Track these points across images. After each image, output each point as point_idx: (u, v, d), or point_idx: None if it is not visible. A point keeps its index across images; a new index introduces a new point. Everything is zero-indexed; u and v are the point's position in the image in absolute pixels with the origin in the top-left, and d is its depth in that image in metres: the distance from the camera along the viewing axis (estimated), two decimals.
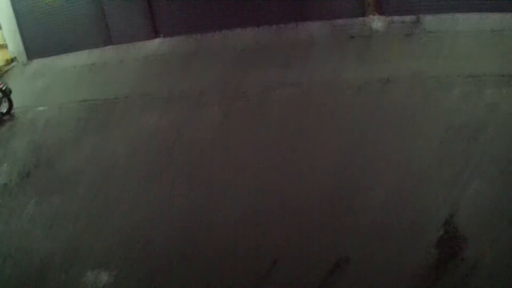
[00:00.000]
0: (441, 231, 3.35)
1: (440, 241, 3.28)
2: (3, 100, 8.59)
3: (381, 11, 10.03)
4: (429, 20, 9.04)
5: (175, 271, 3.70)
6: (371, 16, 9.96)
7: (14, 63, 11.46)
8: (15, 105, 8.51)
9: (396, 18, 9.62)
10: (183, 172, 5.27)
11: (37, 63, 11.08)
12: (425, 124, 5.01)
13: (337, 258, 3.28)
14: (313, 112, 6.31)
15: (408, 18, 9.47)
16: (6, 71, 11.11)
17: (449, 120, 4.94)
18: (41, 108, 8.49)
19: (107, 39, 11.04)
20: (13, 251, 4.42)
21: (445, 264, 3.13)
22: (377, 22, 9.91)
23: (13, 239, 4.55)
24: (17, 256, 4.36)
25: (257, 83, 7.76)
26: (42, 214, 4.91)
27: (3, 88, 8.43)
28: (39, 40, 11.22)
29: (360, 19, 9.90)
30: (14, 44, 11.30)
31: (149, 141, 6.30)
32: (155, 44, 10.60)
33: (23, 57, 11.27)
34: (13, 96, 8.41)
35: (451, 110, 5.17)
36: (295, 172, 4.82)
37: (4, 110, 8.63)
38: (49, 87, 9.51)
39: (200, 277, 3.57)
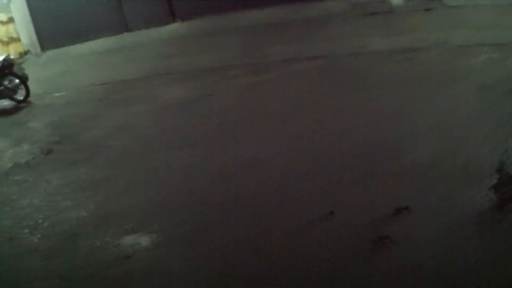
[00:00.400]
0: (495, 177, 3.24)
1: (496, 186, 3.15)
2: (20, 87, 8.33)
3: None
4: None
5: (220, 229, 3.35)
6: None
7: (27, 56, 11.28)
8: (31, 93, 8.24)
9: None
10: (217, 136, 4.98)
11: (51, 53, 10.89)
12: (458, 85, 5.15)
13: (395, 208, 3.08)
14: (344, 77, 6.21)
15: None
16: (20, 64, 10.88)
17: (480, 80, 5.05)
18: (58, 94, 8.23)
19: (123, 27, 10.81)
20: (40, 221, 4.05)
21: (505, 206, 2.99)
22: None
23: (40, 211, 4.19)
24: (45, 227, 4.00)
25: (280, 56, 7.57)
26: (69, 185, 4.57)
27: (20, 75, 8.17)
28: (52, 31, 11.04)
29: None
30: (27, 36, 11.13)
31: (178, 111, 5.97)
32: (172, 28, 10.36)
33: (36, 49, 11.08)
34: (28, 85, 8.14)
35: (480, 72, 5.35)
36: (338, 128, 4.67)
37: (21, 98, 8.37)
38: (65, 74, 9.26)
39: (246, 235, 3.19)
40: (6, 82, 8.18)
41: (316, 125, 4.81)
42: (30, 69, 9.55)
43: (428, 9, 9.75)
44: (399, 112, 4.71)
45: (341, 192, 3.50)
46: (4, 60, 8.16)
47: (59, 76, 9.21)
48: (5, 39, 11.14)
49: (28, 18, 10.73)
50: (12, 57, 8.16)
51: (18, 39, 11.21)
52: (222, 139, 4.89)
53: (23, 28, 10.82)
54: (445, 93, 4.95)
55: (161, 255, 3.23)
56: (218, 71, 7.34)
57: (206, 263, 3.03)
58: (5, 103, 8.40)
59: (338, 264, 2.74)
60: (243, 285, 2.79)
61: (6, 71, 8.14)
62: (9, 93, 8.28)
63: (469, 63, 5.72)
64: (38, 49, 10.83)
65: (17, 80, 8.28)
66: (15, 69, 8.20)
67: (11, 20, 10.99)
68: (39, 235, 3.90)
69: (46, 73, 9.62)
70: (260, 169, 4.12)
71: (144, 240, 3.49)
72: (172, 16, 10.53)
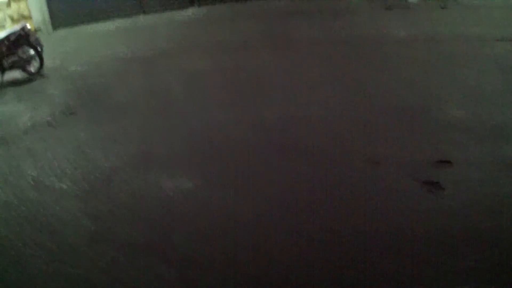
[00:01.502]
0: None
1: None
2: (34, 58, 8.27)
3: None
4: None
5: (264, 175, 3.34)
6: None
7: (38, 34, 11.22)
8: (44, 67, 8.20)
9: None
10: (248, 99, 5.05)
11: (63, 32, 10.87)
12: (479, 66, 5.39)
13: (438, 160, 3.20)
14: (368, 58, 6.34)
15: None
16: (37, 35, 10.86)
17: (499, 65, 5.34)
18: (74, 67, 8.17)
19: (139, 8, 10.83)
20: (69, 171, 4.00)
21: None
22: None
23: (68, 162, 4.14)
24: (75, 174, 3.95)
25: (303, 39, 7.67)
26: (97, 139, 4.53)
27: (36, 45, 8.13)
28: (65, 9, 11.03)
29: None
30: (39, 14, 11.12)
31: (205, 79, 5.95)
32: (189, 12, 10.38)
33: (48, 27, 11.07)
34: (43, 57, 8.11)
35: (498, 59, 5.59)
36: (372, 93, 4.79)
37: (34, 70, 8.31)
38: (80, 50, 9.24)
39: (288, 178, 3.20)
40: (20, 53, 8.14)
41: (346, 91, 4.93)
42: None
43: (443, 7, 10.18)
44: (429, 84, 4.93)
45: (383, 147, 3.55)
46: (21, 29, 8.13)
47: (72, 52, 9.18)
48: (16, 16, 11.12)
49: None
50: (29, 27, 8.09)
51: (29, 17, 11.19)
52: (253, 103, 4.87)
53: (36, 6, 10.80)
54: (468, 72, 5.21)
55: (202, 197, 3.16)
56: (242, 47, 7.34)
57: (246, 205, 3.00)
58: (17, 75, 8.33)
59: (389, 203, 2.77)
60: (287, 226, 2.73)
61: (22, 41, 8.10)
62: (23, 64, 8.23)
63: (486, 52, 6.03)
64: (50, 28, 10.82)
65: (32, 51, 8.23)
66: (32, 39, 8.16)
67: None
68: (68, 183, 3.84)
69: (58, 50, 9.59)
70: (298, 125, 4.11)
71: (184, 183, 3.43)
72: (190, 1, 10.57)
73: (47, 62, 8.29)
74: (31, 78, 8.03)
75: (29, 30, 8.16)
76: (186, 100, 5.23)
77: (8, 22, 10.86)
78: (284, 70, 5.95)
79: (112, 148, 4.24)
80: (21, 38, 7.99)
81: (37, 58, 8.22)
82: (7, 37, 8.10)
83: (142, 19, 9.79)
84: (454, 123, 3.81)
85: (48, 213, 3.45)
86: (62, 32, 10.61)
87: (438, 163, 3.17)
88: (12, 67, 8.25)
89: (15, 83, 7.83)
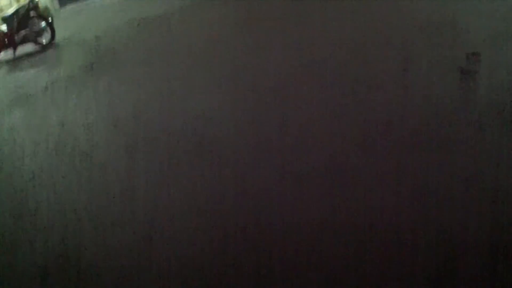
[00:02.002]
0: None
1: None
2: (45, 29, 8.36)
3: None
4: None
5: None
6: None
7: None
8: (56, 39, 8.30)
9: None
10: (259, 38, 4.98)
11: (70, 7, 10.95)
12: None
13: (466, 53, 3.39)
14: None
15: None
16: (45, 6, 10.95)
17: None
18: (85, 35, 8.25)
19: None
20: (95, 112, 4.12)
21: None
22: None
23: (89, 105, 4.27)
24: (100, 111, 4.08)
25: None
26: (117, 85, 4.64)
27: (46, 16, 8.21)
28: None
29: None
30: None
31: (215, 27, 5.99)
32: None
33: (55, 4, 11.15)
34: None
35: None
36: None
37: (46, 41, 8.41)
38: (90, 21, 9.36)
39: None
40: (31, 25, 8.24)
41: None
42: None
43: None
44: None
45: (411, 51, 3.67)
46: (30, 2, 8.21)
47: (83, 24, 9.31)
48: None
49: None
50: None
51: None
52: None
53: None
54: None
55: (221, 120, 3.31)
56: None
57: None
58: (28, 49, 8.43)
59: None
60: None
61: (32, 14, 8.20)
62: (34, 37, 8.33)
63: None
64: (57, 4, 10.90)
65: (43, 23, 8.33)
66: (41, 11, 8.24)
67: None
68: (95, 120, 3.97)
69: (68, 24, 9.70)
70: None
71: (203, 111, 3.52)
72: None
73: (58, 35, 8.37)
74: (44, 49, 8.12)
75: (37, 2, 8.23)
76: (202, 52, 5.26)
77: (14, 4, 10.94)
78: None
79: (131, 92, 4.33)
80: (30, 11, 8.07)
81: (48, 30, 8.30)
82: (16, 13, 8.21)
83: None
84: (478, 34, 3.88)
85: (82, 143, 3.58)
86: (69, 8, 10.69)
87: (468, 57, 3.36)
88: (23, 41, 8.35)
89: (28, 55, 7.93)
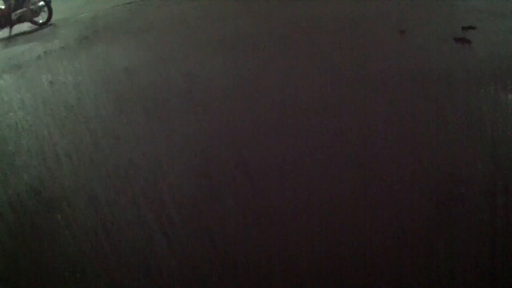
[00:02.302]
0: None
1: None
2: (43, 9, 8.31)
3: None
4: None
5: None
6: None
7: None
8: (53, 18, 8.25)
9: None
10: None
11: None
12: None
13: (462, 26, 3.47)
14: None
15: None
16: None
17: None
18: (83, 15, 8.21)
19: None
20: (86, 72, 4.07)
21: None
22: None
23: (83, 67, 4.23)
24: (92, 73, 4.02)
25: None
26: (112, 51, 4.59)
27: None
28: None
29: None
30: None
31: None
32: None
33: None
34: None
35: None
36: None
37: (43, 20, 8.35)
38: (88, 3, 9.29)
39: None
40: (29, 3, 8.18)
41: None
42: None
43: None
44: None
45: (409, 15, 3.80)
46: None
47: (80, 5, 9.24)
48: None
49: None
50: None
51: None
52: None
53: None
54: None
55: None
56: None
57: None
58: (25, 28, 8.38)
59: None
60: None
61: None
62: (31, 16, 8.27)
63: None
64: None
65: (41, 3, 8.27)
66: None
67: None
68: (87, 78, 3.91)
69: (65, 6, 9.66)
70: None
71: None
72: None
73: (55, 15, 8.34)
74: (40, 29, 8.06)
75: None
76: (192, 25, 5.25)
77: None
78: None
79: (123, 57, 4.29)
80: None
81: (46, 9, 8.25)
82: None
83: None
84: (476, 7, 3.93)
85: (70, 98, 3.55)
86: None
87: (464, 29, 3.46)
88: (20, 19, 8.29)
89: (24, 33, 7.88)
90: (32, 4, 8.27)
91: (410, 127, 2.10)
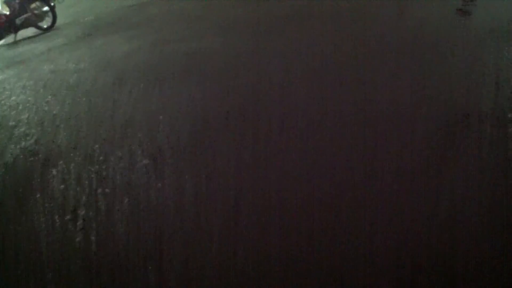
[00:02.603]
0: None
1: None
2: (48, 14, 8.43)
3: None
4: None
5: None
6: None
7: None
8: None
9: None
10: None
11: None
12: None
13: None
14: None
15: None
16: None
17: None
18: (87, 18, 8.33)
19: None
20: (87, 59, 4.13)
21: None
22: None
23: (85, 57, 4.29)
24: (93, 60, 4.08)
25: None
26: (114, 42, 4.65)
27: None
28: None
29: None
30: None
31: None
32: None
33: None
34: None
35: None
36: None
37: (47, 25, 8.47)
38: (91, 7, 9.44)
39: None
40: (33, 8, 8.31)
41: None
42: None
43: None
44: None
45: None
46: None
47: (83, 10, 9.39)
48: None
49: None
50: None
51: None
52: None
53: None
54: None
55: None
56: None
57: None
58: (29, 33, 8.50)
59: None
60: None
61: None
62: (35, 20, 8.40)
63: None
64: None
65: (45, 8, 8.40)
66: None
67: None
68: (83, 66, 3.96)
69: (69, 11, 9.83)
70: None
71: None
72: None
73: (60, 19, 8.47)
74: (44, 33, 8.17)
75: None
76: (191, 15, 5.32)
77: None
78: None
79: (124, 44, 4.36)
80: None
81: (50, 14, 8.36)
82: None
83: None
84: None
85: (71, 80, 3.59)
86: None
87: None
88: (24, 25, 8.41)
89: (28, 38, 8.01)
90: (36, 9, 8.40)
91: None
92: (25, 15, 8.38)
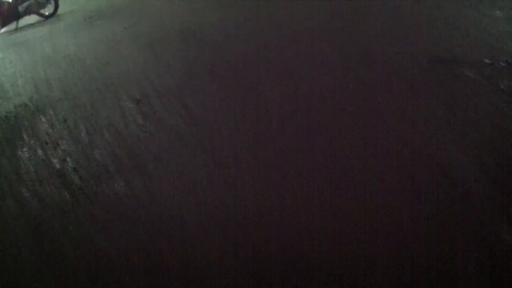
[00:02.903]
0: None
1: None
2: (50, 1, 8.62)
3: None
4: None
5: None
6: None
7: None
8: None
9: None
10: None
11: None
12: None
13: None
14: None
15: None
16: None
17: None
18: (89, 8, 8.52)
19: None
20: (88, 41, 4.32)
21: None
22: None
23: (83, 39, 4.48)
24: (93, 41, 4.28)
25: None
26: (117, 27, 4.85)
27: None
28: None
29: None
30: None
31: None
32: None
33: None
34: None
35: None
36: None
37: (49, 13, 8.66)
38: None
39: None
40: None
41: None
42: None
43: None
44: None
45: None
46: None
47: (85, 3, 9.58)
48: None
49: None
50: None
51: None
52: None
53: None
54: None
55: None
56: None
57: None
58: (31, 21, 8.67)
59: None
60: None
61: None
62: (38, 8, 8.59)
63: None
64: None
65: None
66: None
67: None
68: (83, 42, 4.14)
69: (71, 1, 10.01)
70: None
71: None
72: None
73: (62, 9, 8.65)
74: (46, 20, 8.35)
75: None
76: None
77: None
78: None
79: (125, 22, 4.55)
80: None
81: (52, 2, 8.55)
82: None
83: None
84: None
85: (70, 52, 3.77)
86: None
87: None
88: (26, 12, 8.60)
89: (31, 25, 8.20)
90: None
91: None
92: (27, 2, 8.58)
